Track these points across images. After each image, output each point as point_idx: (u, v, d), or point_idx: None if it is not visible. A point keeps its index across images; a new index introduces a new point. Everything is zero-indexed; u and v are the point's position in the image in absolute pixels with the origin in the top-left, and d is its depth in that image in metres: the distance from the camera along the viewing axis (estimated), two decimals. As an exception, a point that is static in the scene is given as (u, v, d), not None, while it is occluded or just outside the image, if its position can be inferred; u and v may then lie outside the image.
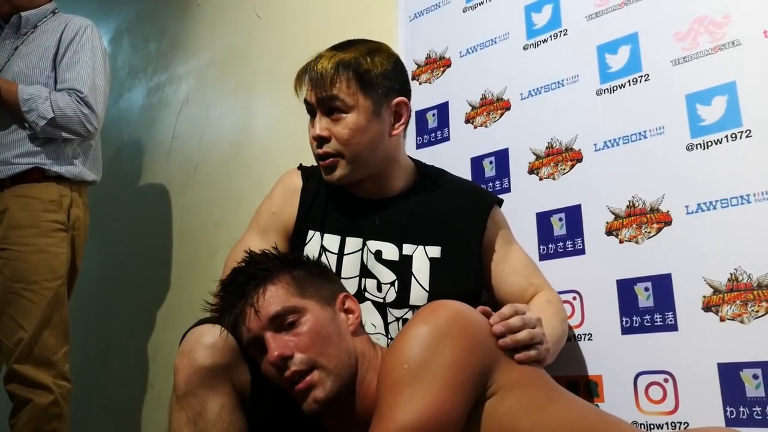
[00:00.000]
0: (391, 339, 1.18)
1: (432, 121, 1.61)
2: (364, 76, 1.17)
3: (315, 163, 1.36)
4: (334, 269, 1.21)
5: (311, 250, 1.22)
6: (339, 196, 1.26)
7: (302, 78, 1.21)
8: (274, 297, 0.97)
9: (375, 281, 1.20)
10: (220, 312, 1.01)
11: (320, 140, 1.18)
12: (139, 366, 2.34)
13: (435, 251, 1.20)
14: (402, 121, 1.22)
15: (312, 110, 1.21)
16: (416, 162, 1.32)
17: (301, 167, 1.33)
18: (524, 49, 1.47)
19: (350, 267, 1.21)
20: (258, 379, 1.04)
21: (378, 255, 1.21)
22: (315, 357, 0.93)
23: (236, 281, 1.00)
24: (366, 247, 1.21)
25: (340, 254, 1.21)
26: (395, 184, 1.25)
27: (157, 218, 2.45)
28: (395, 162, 1.25)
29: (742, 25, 1.19)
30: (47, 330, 1.72)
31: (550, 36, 1.43)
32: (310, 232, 1.23)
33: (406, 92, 1.23)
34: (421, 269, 1.19)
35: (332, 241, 1.22)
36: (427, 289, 1.18)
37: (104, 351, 2.53)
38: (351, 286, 1.20)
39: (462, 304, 0.91)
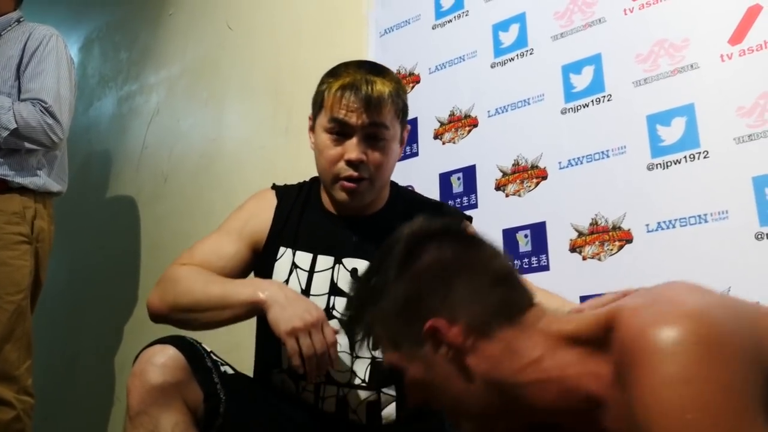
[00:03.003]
0: (356, 357, 1.19)
1: (401, 137, 1.62)
2: (404, 108, 1.21)
3: (287, 182, 1.37)
4: (303, 286, 1.21)
5: (282, 266, 1.23)
6: (313, 213, 1.27)
7: (346, 96, 1.15)
8: None
9: (345, 299, 1.20)
10: None
11: (358, 164, 1.15)
12: (106, 379, 2.31)
13: None
14: (403, 145, 1.28)
15: (346, 132, 1.16)
16: (390, 181, 1.34)
17: (274, 187, 1.33)
18: (491, 67, 1.49)
19: (320, 285, 1.21)
20: (211, 397, 1.04)
21: (354, 273, 1.21)
22: None
23: None
24: (340, 264, 1.22)
25: (311, 272, 1.21)
26: (378, 202, 1.26)
27: (125, 229, 2.43)
28: (388, 183, 1.27)
29: (700, 48, 1.22)
30: (9, 344, 1.68)
31: (517, 55, 1.46)
32: (282, 249, 1.23)
33: None
34: None
35: (304, 258, 1.22)
36: None
37: (70, 364, 2.49)
38: (319, 304, 1.20)
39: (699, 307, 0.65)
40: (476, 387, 0.76)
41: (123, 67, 2.67)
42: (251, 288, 1.11)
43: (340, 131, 1.16)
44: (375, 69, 1.22)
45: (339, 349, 1.19)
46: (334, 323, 1.20)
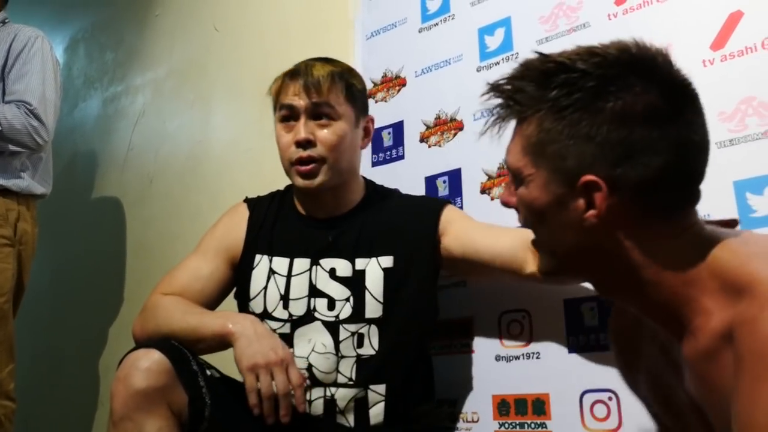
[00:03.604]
0: (342, 357, 1.19)
1: (387, 140, 1.62)
2: (352, 88, 1.25)
3: (274, 185, 1.38)
4: (282, 291, 1.22)
5: (259, 273, 1.23)
6: (287, 218, 1.28)
7: (288, 82, 1.23)
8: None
9: (326, 300, 1.21)
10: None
11: (306, 144, 1.20)
12: (91, 383, 2.29)
13: (388, 261, 1.22)
14: (369, 137, 1.31)
15: (294, 115, 1.22)
16: (366, 180, 1.35)
17: (246, 200, 1.34)
18: (477, 71, 1.50)
19: (299, 288, 1.22)
20: (196, 401, 1.04)
21: (332, 273, 1.22)
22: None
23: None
24: (318, 266, 1.22)
25: (289, 276, 1.22)
26: (351, 198, 1.28)
27: (111, 231, 2.41)
28: (355, 175, 1.30)
29: (682, 53, 1.21)
30: (-9, 348, 1.67)
31: (502, 59, 1.46)
32: (258, 256, 1.24)
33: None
34: (374, 282, 1.21)
35: (281, 263, 1.23)
36: (381, 301, 1.20)
37: (54, 367, 2.47)
38: (300, 307, 1.21)
39: None
40: (589, 250, 0.71)
41: (109, 68, 2.66)
42: (222, 320, 1.12)
43: (289, 116, 1.22)
44: (321, 58, 1.28)
45: (323, 350, 1.19)
46: (315, 325, 1.20)
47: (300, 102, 1.20)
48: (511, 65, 0.74)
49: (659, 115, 0.68)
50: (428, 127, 1.55)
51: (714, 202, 1.14)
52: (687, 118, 0.70)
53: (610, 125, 0.67)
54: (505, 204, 0.78)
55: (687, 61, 1.20)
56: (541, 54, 0.73)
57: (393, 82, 1.65)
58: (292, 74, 1.23)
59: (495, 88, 0.74)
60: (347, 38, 1.77)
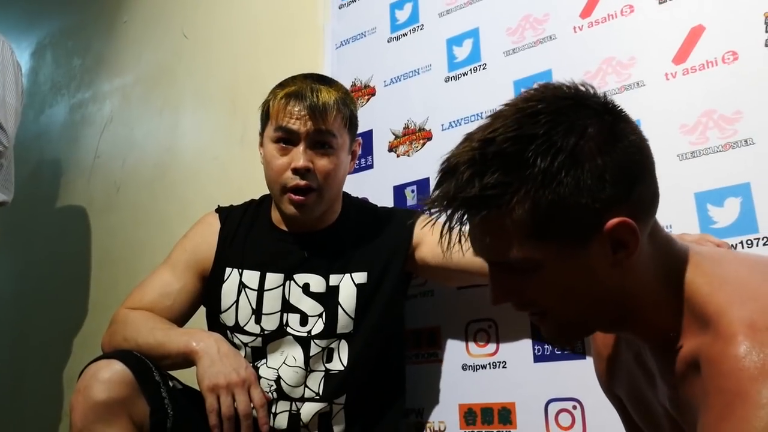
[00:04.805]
0: (311, 371, 1.18)
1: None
2: (351, 116, 1.22)
3: (241, 193, 1.36)
4: (254, 305, 1.20)
5: (229, 288, 1.22)
6: (261, 231, 1.26)
7: (292, 103, 1.16)
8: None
9: (298, 315, 1.20)
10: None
11: (305, 172, 1.16)
12: (54, 394, 2.24)
13: (362, 277, 1.22)
14: (355, 159, 1.29)
15: (293, 139, 1.17)
16: (343, 193, 1.34)
17: (218, 209, 1.32)
18: (445, 81, 1.51)
19: (271, 303, 1.20)
20: (157, 412, 1.02)
21: (306, 288, 1.21)
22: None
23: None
24: (292, 281, 1.21)
25: (260, 290, 1.21)
26: (330, 216, 1.26)
27: (76, 240, 2.37)
28: (339, 196, 1.28)
29: (645, 67, 1.25)
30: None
31: (470, 69, 1.47)
32: (228, 269, 1.23)
33: None
34: (347, 298, 1.20)
35: (252, 277, 1.22)
36: (353, 317, 1.20)
37: (17, 379, 2.41)
38: (272, 322, 1.20)
39: None
40: (611, 296, 0.68)
41: (76, 74, 2.62)
42: (187, 337, 1.11)
43: (287, 140, 1.17)
44: (322, 79, 1.25)
45: (293, 363, 1.18)
46: (287, 340, 1.19)
47: (302, 128, 1.15)
48: (441, 171, 0.68)
49: (622, 130, 0.68)
50: (397, 137, 1.56)
51: (675, 213, 1.16)
52: (633, 124, 0.71)
53: (605, 162, 0.65)
54: (499, 303, 0.72)
55: (650, 75, 1.24)
56: (477, 143, 0.66)
57: (362, 92, 1.65)
58: (297, 95, 1.17)
59: (455, 199, 0.65)
60: (317, 47, 1.77)
